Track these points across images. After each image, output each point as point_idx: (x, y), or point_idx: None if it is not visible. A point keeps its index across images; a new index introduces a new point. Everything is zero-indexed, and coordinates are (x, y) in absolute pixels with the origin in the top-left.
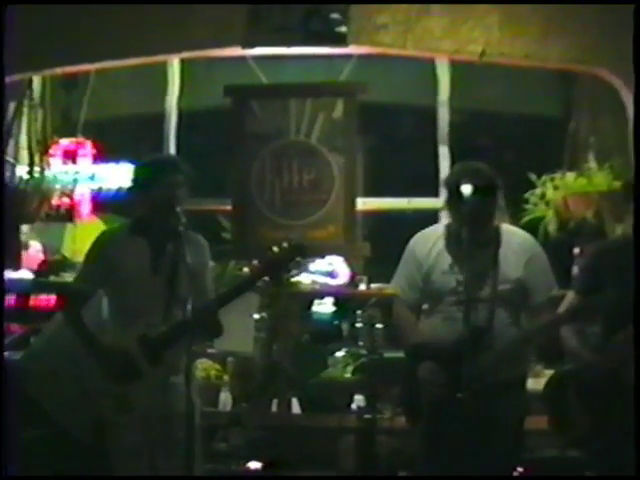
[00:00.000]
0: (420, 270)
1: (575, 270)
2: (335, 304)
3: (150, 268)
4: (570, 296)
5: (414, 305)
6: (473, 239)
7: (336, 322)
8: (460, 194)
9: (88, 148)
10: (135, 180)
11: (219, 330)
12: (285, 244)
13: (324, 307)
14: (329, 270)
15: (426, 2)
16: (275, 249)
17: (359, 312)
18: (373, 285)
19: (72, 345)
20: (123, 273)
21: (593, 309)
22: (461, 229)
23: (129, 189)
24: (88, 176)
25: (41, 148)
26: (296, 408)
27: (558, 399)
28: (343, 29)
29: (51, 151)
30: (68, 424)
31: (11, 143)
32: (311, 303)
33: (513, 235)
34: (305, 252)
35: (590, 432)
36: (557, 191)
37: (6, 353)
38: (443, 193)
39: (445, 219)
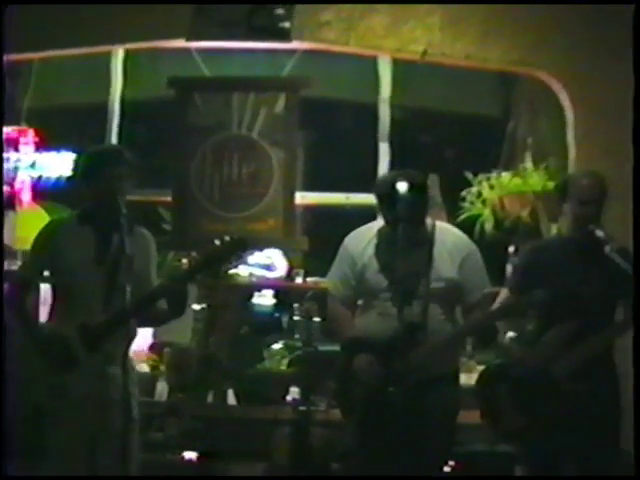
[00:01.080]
0: (354, 268)
1: (509, 268)
2: (275, 297)
3: (94, 258)
4: (503, 293)
5: (347, 301)
6: (406, 238)
7: (276, 314)
8: (391, 195)
9: (30, 136)
10: (78, 169)
11: (180, 311)
12: (227, 238)
13: (264, 299)
14: (267, 263)
15: (370, 2)
16: (217, 242)
17: (296, 305)
18: (310, 279)
19: (10, 331)
20: (68, 262)
21: (524, 307)
22: (395, 228)
23: (72, 178)
24: (29, 164)
25: None
26: (232, 399)
27: (490, 394)
28: (287, 25)
29: None
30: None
31: None
32: (251, 295)
33: (448, 234)
34: (247, 247)
35: (521, 426)
36: (493, 190)
37: None
38: (374, 197)
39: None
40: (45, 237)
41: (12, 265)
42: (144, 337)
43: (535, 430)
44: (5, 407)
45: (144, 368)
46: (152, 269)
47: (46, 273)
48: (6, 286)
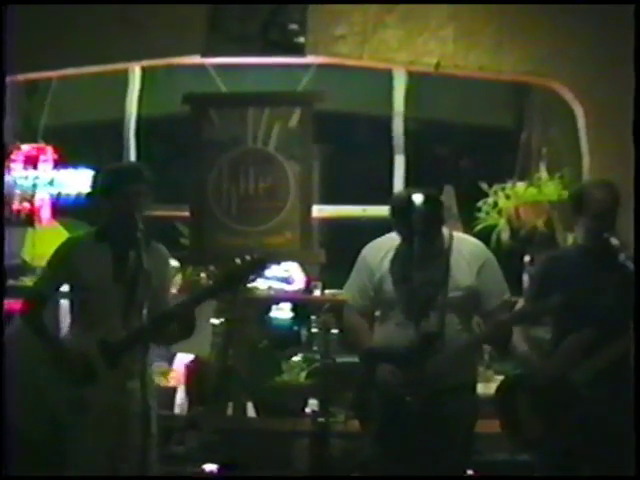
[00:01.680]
0: (372, 279)
1: (525, 278)
2: (293, 310)
3: (112, 275)
4: (520, 304)
5: (365, 312)
6: (422, 251)
7: (294, 328)
8: (405, 210)
9: (49, 154)
10: (97, 187)
11: (188, 332)
12: (248, 257)
13: (282, 313)
14: (285, 276)
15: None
16: (238, 261)
17: (314, 317)
18: (327, 291)
19: (28, 348)
20: (86, 279)
21: (539, 312)
22: (411, 242)
23: (91, 195)
24: (47, 181)
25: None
26: (251, 412)
27: (509, 403)
28: (301, 39)
29: (12, 156)
30: (24, 426)
31: None
32: (269, 308)
33: (465, 243)
34: (266, 265)
35: (540, 435)
36: (508, 200)
37: None
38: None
39: None
40: (63, 253)
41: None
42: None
43: (554, 439)
44: (16, 416)
45: (164, 382)
46: (169, 284)
47: (64, 288)
48: (22, 303)
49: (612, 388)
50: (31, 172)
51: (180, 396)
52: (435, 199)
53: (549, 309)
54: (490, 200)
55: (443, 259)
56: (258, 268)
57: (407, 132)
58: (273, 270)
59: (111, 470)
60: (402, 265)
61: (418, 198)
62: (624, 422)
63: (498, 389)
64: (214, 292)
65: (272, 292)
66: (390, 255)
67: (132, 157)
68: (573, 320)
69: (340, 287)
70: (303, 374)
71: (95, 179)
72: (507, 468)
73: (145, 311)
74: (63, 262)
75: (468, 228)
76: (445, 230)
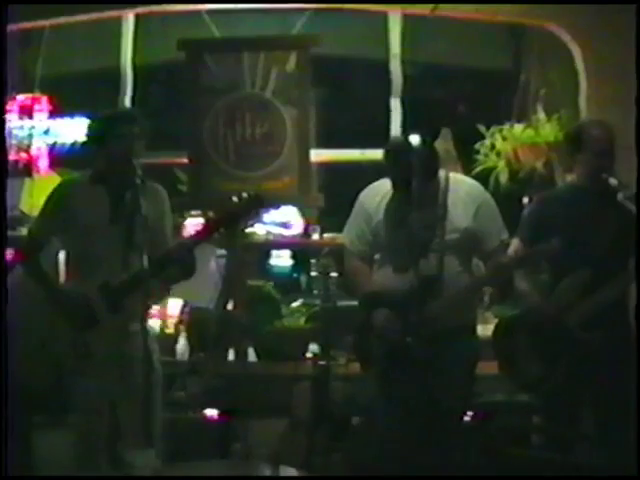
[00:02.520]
0: (369, 223)
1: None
2: (293, 257)
3: (109, 217)
4: (515, 243)
5: (364, 256)
6: (418, 194)
7: (294, 275)
8: (398, 156)
9: (44, 103)
10: (91, 133)
11: (189, 273)
12: (245, 195)
13: (282, 260)
14: (283, 221)
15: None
16: (234, 199)
17: (313, 261)
18: (326, 235)
19: (29, 296)
20: (82, 222)
21: (538, 257)
22: (405, 185)
23: (86, 143)
24: (43, 131)
25: None
26: (252, 357)
27: (506, 345)
28: None
29: (8, 107)
30: (26, 374)
31: None
32: (268, 254)
33: (461, 184)
34: (263, 203)
35: (538, 376)
36: (506, 142)
37: None
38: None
39: None
40: (57, 197)
41: None
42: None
43: (552, 379)
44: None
45: (165, 328)
46: (167, 223)
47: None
48: (20, 248)
49: (608, 328)
50: (27, 122)
51: (181, 342)
52: (427, 143)
53: (548, 252)
54: (488, 142)
55: (440, 201)
56: (255, 205)
57: (404, 75)
58: (271, 215)
59: (113, 414)
60: (397, 209)
61: (409, 143)
62: (621, 361)
63: (495, 330)
64: (212, 231)
65: (270, 237)
66: (387, 198)
67: (128, 105)
68: (570, 261)
69: (339, 231)
70: (303, 318)
71: (89, 126)
72: (506, 409)
73: (145, 254)
74: (58, 206)
75: (466, 170)
76: (442, 172)
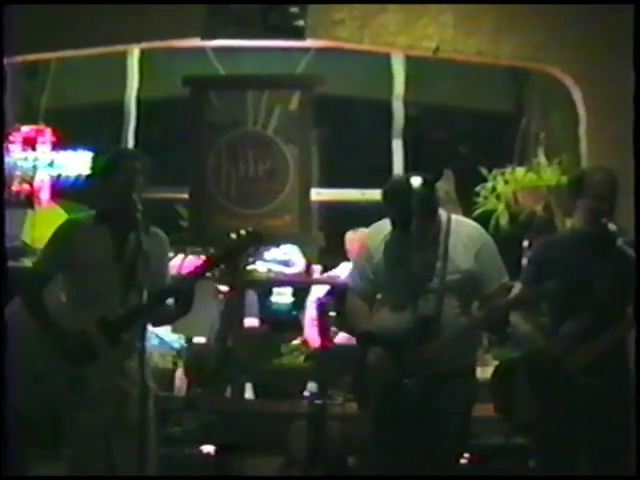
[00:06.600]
0: (370, 262)
1: (524, 263)
2: (294, 295)
3: (112, 256)
4: (517, 288)
5: (365, 295)
6: (418, 234)
7: (294, 313)
8: (397, 196)
9: (48, 135)
10: (94, 169)
11: (187, 309)
12: (243, 231)
13: (283, 297)
14: (284, 259)
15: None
16: (233, 236)
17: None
18: (326, 274)
19: (27, 329)
20: (85, 260)
21: (537, 297)
22: (403, 225)
23: (89, 177)
24: (47, 163)
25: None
26: (250, 393)
27: (504, 387)
28: (301, 23)
29: (11, 138)
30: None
31: None
32: (269, 292)
33: (462, 226)
34: (262, 239)
35: (535, 420)
36: (507, 185)
37: None
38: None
39: None
40: (62, 235)
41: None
42: None
43: (549, 423)
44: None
45: (163, 363)
46: (167, 268)
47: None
48: (22, 283)
49: (607, 374)
50: (30, 154)
51: (179, 378)
52: (427, 184)
53: (546, 294)
54: (489, 185)
55: (441, 242)
56: (254, 242)
57: (406, 116)
58: (272, 253)
59: (107, 450)
60: (395, 249)
61: (407, 183)
62: (619, 409)
63: (494, 373)
64: (212, 267)
65: (272, 275)
66: (389, 238)
67: (131, 139)
68: (570, 305)
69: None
70: (302, 357)
71: (94, 163)
72: (502, 452)
73: (145, 292)
74: (62, 243)
75: (467, 213)
76: (443, 213)
